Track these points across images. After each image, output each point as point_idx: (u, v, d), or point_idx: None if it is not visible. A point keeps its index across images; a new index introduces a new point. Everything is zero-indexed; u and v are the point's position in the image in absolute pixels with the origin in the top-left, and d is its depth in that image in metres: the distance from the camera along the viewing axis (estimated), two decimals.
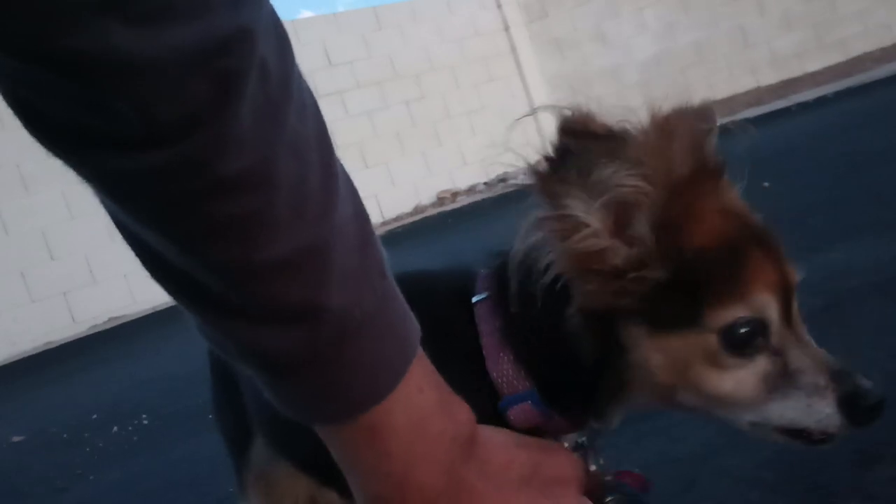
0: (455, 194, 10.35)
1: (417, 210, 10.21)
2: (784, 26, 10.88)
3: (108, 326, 7.78)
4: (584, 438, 0.85)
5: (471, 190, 10.43)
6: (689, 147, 0.74)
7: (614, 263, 0.73)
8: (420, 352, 0.63)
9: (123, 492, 2.65)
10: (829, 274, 2.41)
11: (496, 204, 7.66)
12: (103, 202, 0.55)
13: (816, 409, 0.74)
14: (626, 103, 0.77)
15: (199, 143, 0.49)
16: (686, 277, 0.74)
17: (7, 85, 0.49)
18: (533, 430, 0.80)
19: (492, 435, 0.69)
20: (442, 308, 0.84)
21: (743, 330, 0.74)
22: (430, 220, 8.97)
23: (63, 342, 7.56)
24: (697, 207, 0.75)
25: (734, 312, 0.73)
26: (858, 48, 10.63)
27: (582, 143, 0.71)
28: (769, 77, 10.89)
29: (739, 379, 0.75)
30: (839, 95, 8.27)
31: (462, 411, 0.66)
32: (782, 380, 0.75)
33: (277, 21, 0.55)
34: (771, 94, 10.13)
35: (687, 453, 1.64)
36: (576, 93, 11.21)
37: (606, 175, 0.71)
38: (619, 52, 11.22)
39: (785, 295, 0.76)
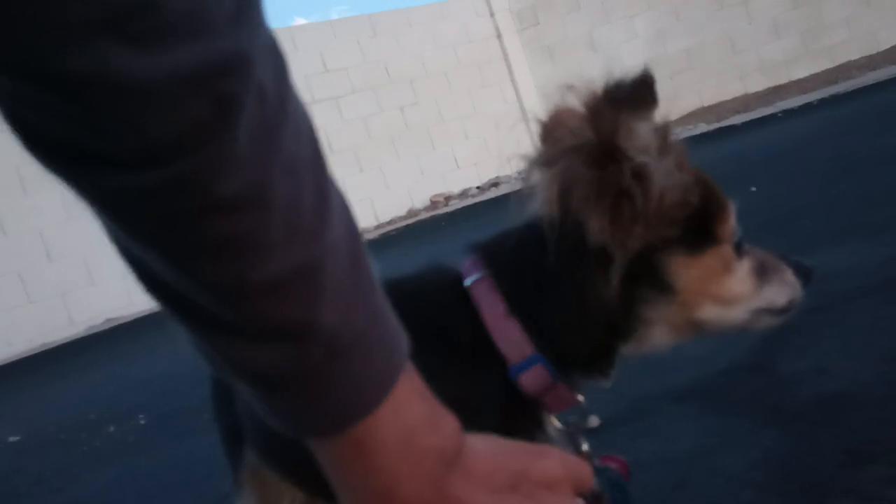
0: (448, 198, 10.36)
1: (411, 213, 10.22)
2: (772, 33, 10.96)
3: (105, 328, 7.72)
4: (573, 417, 0.90)
5: (463, 194, 10.46)
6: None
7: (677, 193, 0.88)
8: (409, 365, 0.63)
9: (120, 492, 2.64)
10: (818, 276, 2.44)
11: (488, 207, 7.68)
12: (99, 218, 0.55)
13: (790, 281, 0.97)
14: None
15: (196, 164, 0.49)
16: (696, 204, 0.90)
17: (5, 103, 0.49)
18: (532, 406, 0.87)
19: (477, 444, 0.68)
20: (434, 299, 0.88)
21: (736, 237, 0.93)
22: (424, 224, 8.95)
23: (60, 343, 7.50)
24: (679, 154, 0.91)
25: (730, 224, 0.93)
26: (844, 55, 10.71)
27: (648, 95, 0.88)
28: (757, 84, 10.96)
29: (743, 277, 0.94)
30: (823, 102, 8.29)
31: (449, 424, 0.65)
32: (761, 269, 0.96)
33: (274, 42, 0.55)
34: (758, 101, 10.19)
35: (680, 453, 1.64)
36: (567, 99, 11.24)
37: (646, 128, 0.87)
38: (609, 59, 11.26)
39: None
